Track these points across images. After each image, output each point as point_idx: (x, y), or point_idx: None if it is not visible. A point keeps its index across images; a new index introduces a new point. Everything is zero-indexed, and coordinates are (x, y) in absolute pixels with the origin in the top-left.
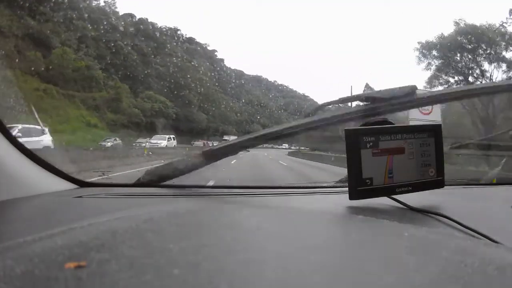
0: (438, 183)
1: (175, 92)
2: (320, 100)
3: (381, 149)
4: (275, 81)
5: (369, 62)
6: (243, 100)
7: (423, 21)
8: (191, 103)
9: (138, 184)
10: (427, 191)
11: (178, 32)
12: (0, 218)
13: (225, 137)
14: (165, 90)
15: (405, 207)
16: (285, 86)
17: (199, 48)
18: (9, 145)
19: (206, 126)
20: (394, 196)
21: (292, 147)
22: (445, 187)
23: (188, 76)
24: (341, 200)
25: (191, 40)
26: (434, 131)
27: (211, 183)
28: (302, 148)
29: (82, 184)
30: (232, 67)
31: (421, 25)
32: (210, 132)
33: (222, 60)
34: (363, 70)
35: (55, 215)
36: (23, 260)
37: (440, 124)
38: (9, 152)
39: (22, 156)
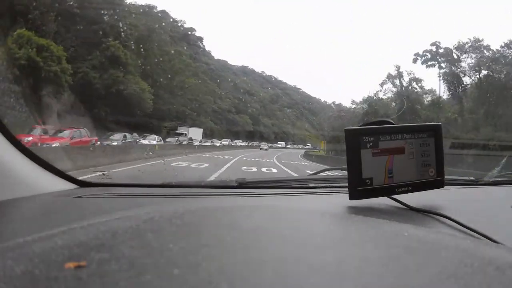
0: (438, 183)
1: (88, 42)
2: (312, 93)
3: (381, 149)
4: (262, 71)
5: (364, 58)
6: (226, 84)
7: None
8: (122, 64)
9: (138, 184)
10: (427, 191)
11: (155, 10)
12: (0, 218)
13: (181, 130)
14: (66, 34)
15: (405, 207)
16: (274, 77)
17: (172, 21)
18: (9, 145)
19: (155, 107)
20: (394, 196)
21: (289, 146)
22: (445, 187)
23: (126, 20)
24: (341, 200)
25: (163, 13)
26: (434, 131)
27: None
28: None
29: (82, 184)
30: (215, 57)
31: (416, 23)
32: (165, 118)
33: (200, 38)
34: (358, 66)
35: (55, 215)
36: (23, 260)
37: (440, 124)
38: (9, 152)
39: (22, 156)
